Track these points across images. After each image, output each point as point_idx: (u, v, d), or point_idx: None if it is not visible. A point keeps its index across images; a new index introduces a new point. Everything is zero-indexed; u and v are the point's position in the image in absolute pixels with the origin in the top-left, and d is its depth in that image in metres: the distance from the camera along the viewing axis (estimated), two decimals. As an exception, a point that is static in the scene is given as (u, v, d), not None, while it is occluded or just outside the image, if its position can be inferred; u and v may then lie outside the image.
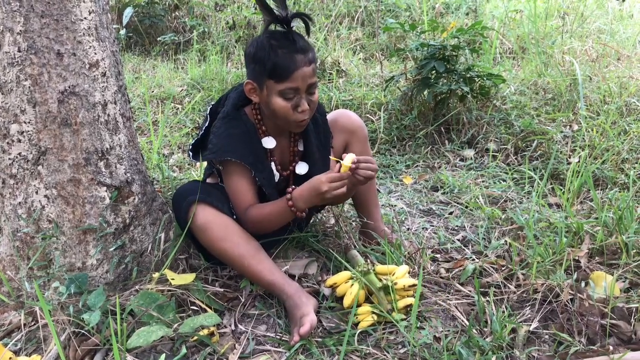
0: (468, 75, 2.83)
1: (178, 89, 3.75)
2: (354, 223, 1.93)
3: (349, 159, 1.37)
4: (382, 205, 2.15)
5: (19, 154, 1.34)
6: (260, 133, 1.55)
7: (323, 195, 1.37)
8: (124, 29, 5.13)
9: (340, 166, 1.38)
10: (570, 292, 1.42)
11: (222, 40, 4.70)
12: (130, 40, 5.23)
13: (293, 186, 1.44)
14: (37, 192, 1.37)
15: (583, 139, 2.57)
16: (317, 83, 1.47)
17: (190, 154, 1.59)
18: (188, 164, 2.54)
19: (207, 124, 1.57)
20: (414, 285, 1.42)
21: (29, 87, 1.30)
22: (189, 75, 3.94)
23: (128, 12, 5.09)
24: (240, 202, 1.50)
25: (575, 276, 1.47)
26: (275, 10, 1.43)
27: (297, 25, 1.50)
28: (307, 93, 1.44)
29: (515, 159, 2.61)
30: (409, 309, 1.43)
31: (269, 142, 1.54)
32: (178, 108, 3.45)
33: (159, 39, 5.09)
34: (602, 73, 3.29)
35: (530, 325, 1.37)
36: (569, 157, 2.48)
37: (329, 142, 1.65)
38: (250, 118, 1.54)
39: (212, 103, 1.62)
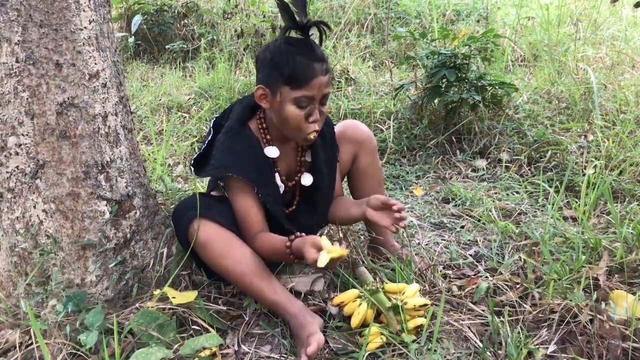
0: (479, 84, 2.76)
1: (185, 97, 3.72)
2: (362, 237, 1.87)
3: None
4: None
5: (17, 167, 1.30)
6: (265, 142, 1.50)
7: (304, 250, 1.29)
8: (133, 37, 5.12)
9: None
10: (590, 312, 1.35)
11: (230, 48, 4.67)
12: (139, 48, 5.22)
13: (298, 233, 1.36)
14: (35, 207, 1.33)
15: (599, 149, 2.50)
16: (329, 94, 1.43)
17: (192, 169, 1.54)
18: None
19: (210, 138, 1.52)
20: (425, 305, 1.36)
21: (27, 98, 1.26)
22: (197, 84, 3.91)
23: (137, 19, 5.08)
24: (249, 226, 1.45)
25: (595, 296, 1.40)
26: (296, 16, 1.39)
27: (314, 33, 1.46)
28: (320, 103, 1.40)
29: (529, 169, 2.54)
30: (419, 329, 1.37)
31: (272, 152, 1.49)
32: (185, 117, 3.41)
33: (167, 46, 5.07)
34: (618, 81, 3.22)
35: (548, 348, 1.31)
36: (584, 169, 2.40)
37: (335, 155, 1.60)
38: (254, 132, 1.49)
39: (216, 116, 1.57)
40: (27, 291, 1.37)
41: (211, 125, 1.55)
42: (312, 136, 1.41)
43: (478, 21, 5.17)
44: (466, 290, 1.56)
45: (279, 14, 1.41)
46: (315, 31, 1.43)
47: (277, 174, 1.52)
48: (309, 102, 1.38)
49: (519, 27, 4.54)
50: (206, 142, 1.52)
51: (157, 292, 1.39)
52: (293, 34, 1.43)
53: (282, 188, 1.53)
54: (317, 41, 1.45)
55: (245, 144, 1.46)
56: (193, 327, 1.37)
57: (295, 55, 1.35)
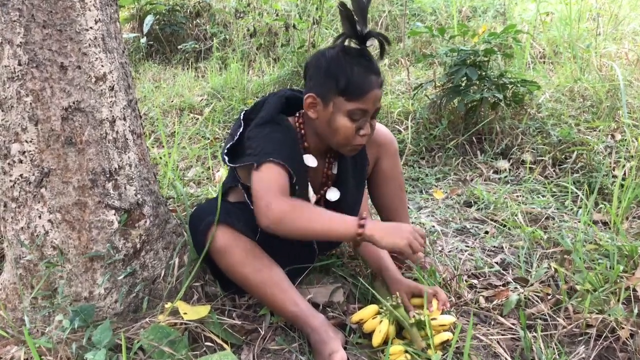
0: (500, 82, 2.66)
1: (198, 98, 3.66)
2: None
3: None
4: (412, 222, 2.00)
5: (21, 175, 1.24)
6: (301, 148, 1.42)
7: (403, 232, 1.22)
8: (145, 37, 5.07)
9: None
10: (631, 328, 1.26)
11: (243, 48, 4.61)
12: (151, 49, 5.18)
13: (365, 214, 1.26)
14: (40, 217, 1.26)
15: (627, 149, 2.39)
16: (380, 108, 1.36)
17: (226, 158, 1.39)
18: (207, 178, 2.43)
19: (242, 130, 1.41)
20: (452, 322, 1.28)
21: (31, 103, 1.20)
22: (210, 84, 3.85)
23: (149, 20, 5.04)
24: (277, 187, 1.25)
25: (635, 309, 1.31)
26: (357, 26, 1.30)
27: (372, 44, 1.38)
28: (371, 117, 1.33)
29: (554, 171, 2.44)
30: (445, 344, 1.29)
31: (310, 161, 1.40)
32: (198, 118, 3.35)
33: (179, 47, 5.02)
34: (644, 77, 3.10)
35: (586, 367, 1.22)
36: (613, 170, 2.30)
37: (364, 168, 1.52)
38: (293, 126, 1.41)
39: (245, 109, 1.49)
40: (33, 304, 1.31)
41: (241, 118, 1.44)
42: (359, 147, 1.35)
43: (495, 17, 5.04)
44: (494, 302, 1.47)
45: (340, 17, 1.32)
46: (373, 42, 1.34)
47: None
48: (362, 115, 1.30)
49: (537, 22, 4.41)
50: (238, 134, 1.41)
51: (168, 305, 1.32)
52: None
53: (313, 199, 1.45)
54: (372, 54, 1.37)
55: (286, 135, 1.36)
56: (206, 343, 1.29)
57: (353, 65, 1.28)
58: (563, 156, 2.48)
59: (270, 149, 1.30)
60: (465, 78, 2.65)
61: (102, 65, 1.27)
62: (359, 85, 1.27)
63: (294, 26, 4.08)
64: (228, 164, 1.37)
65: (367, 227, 1.22)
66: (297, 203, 1.26)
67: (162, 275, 1.44)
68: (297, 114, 1.43)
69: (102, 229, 1.31)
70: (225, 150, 1.39)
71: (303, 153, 1.40)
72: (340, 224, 1.24)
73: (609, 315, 1.30)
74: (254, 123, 1.38)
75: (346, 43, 1.35)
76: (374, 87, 1.28)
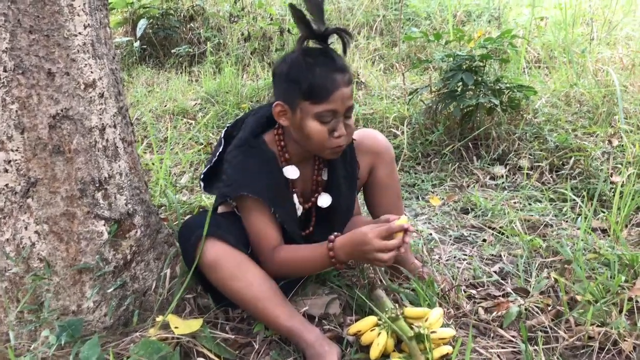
0: (496, 87, 2.64)
1: (192, 102, 3.62)
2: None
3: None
4: (409, 230, 1.96)
5: (6, 185, 1.20)
6: (282, 161, 1.38)
7: (365, 254, 1.21)
8: (138, 41, 5.03)
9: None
10: (634, 341, 1.23)
11: (237, 52, 4.57)
12: (144, 53, 5.13)
13: (336, 233, 1.28)
14: (26, 228, 1.22)
15: (623, 154, 2.37)
16: (354, 106, 1.31)
17: (202, 184, 1.43)
18: (200, 185, 2.39)
19: (220, 149, 1.41)
20: (452, 335, 1.24)
21: (17, 111, 1.16)
22: (204, 88, 3.81)
23: (142, 24, 4.99)
24: (265, 243, 1.34)
25: (639, 322, 1.28)
26: (312, 25, 1.27)
27: (334, 41, 1.34)
28: (344, 117, 1.29)
29: (551, 177, 2.41)
30: (445, 358, 1.25)
31: (291, 172, 1.37)
32: (192, 123, 3.31)
33: (173, 50, 4.98)
34: (639, 83, 3.09)
35: (589, 381, 1.19)
36: (611, 176, 2.28)
37: (355, 171, 1.48)
38: (270, 146, 1.37)
39: (228, 125, 1.46)
40: (18, 319, 1.26)
41: (222, 136, 1.43)
42: (339, 149, 1.31)
43: (489, 22, 5.04)
44: (494, 313, 1.43)
45: (293, 19, 1.29)
46: (335, 39, 1.31)
47: (294, 195, 1.41)
48: (333, 116, 1.26)
49: (532, 27, 4.41)
50: (216, 154, 1.41)
51: (159, 318, 1.28)
52: (309, 44, 1.32)
53: (299, 210, 1.42)
54: (337, 50, 1.33)
55: (261, 160, 1.34)
56: (199, 358, 1.25)
57: (313, 67, 1.24)
58: (560, 162, 2.46)
59: (244, 180, 1.32)
60: (461, 83, 2.63)
61: (92, 72, 1.23)
62: (323, 86, 1.23)
63: (288, 30, 4.06)
64: (204, 190, 1.40)
65: (337, 256, 1.26)
66: (281, 262, 1.32)
67: (153, 287, 1.40)
68: (276, 126, 1.40)
69: (91, 240, 1.27)
70: (202, 175, 1.42)
71: (284, 165, 1.37)
72: (318, 259, 1.29)
73: (611, 327, 1.27)
74: (232, 144, 1.37)
75: (311, 44, 1.31)
76: (339, 86, 1.24)
